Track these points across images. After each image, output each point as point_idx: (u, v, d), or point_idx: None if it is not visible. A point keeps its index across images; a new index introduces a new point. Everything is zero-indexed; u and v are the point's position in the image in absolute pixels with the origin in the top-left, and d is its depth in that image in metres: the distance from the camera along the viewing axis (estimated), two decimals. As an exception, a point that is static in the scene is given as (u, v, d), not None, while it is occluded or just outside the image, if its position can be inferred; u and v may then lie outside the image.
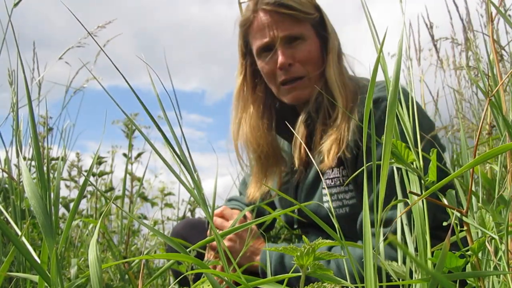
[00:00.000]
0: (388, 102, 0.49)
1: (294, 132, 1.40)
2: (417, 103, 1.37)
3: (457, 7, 1.65)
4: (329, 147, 1.28)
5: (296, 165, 1.38)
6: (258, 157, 1.47)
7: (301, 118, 1.38)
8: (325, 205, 1.32)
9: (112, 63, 0.49)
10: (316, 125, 1.36)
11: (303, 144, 1.37)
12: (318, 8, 1.39)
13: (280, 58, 1.33)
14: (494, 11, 0.81)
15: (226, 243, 1.30)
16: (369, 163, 0.58)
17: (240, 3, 1.44)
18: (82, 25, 0.52)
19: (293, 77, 1.36)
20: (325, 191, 1.33)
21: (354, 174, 0.75)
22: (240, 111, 1.48)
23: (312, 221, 1.32)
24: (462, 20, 1.63)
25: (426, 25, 1.85)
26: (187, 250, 0.59)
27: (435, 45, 1.86)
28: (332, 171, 1.31)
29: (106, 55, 0.49)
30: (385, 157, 0.48)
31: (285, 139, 1.52)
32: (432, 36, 1.85)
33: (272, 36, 1.34)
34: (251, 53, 1.45)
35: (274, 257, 1.27)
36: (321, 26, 1.39)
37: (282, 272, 1.25)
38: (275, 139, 1.50)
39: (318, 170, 1.31)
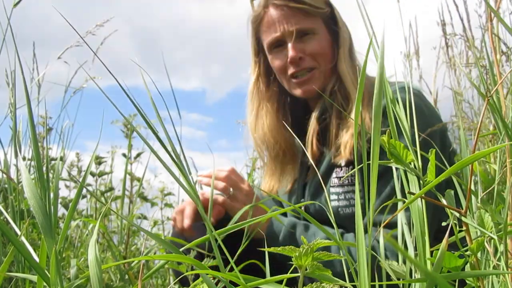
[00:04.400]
0: (374, 100, 0.49)
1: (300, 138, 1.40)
2: (429, 103, 1.37)
3: (457, 7, 1.65)
4: (348, 140, 1.29)
5: (311, 160, 1.38)
6: (276, 154, 1.48)
7: (315, 113, 1.39)
8: (332, 203, 1.33)
9: (103, 64, 0.49)
10: (331, 119, 1.36)
11: (316, 140, 1.38)
12: (328, 3, 1.40)
13: (291, 52, 1.34)
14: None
15: (238, 203, 1.27)
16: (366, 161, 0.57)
17: (252, 0, 1.46)
18: (74, 28, 0.52)
19: (304, 68, 1.36)
20: (332, 189, 1.33)
21: (350, 175, 0.75)
22: (255, 108, 1.49)
23: (318, 218, 1.33)
24: (462, 20, 1.63)
25: (438, 23, 1.85)
26: (185, 248, 0.59)
27: (446, 43, 1.87)
28: (341, 170, 1.32)
29: (98, 57, 0.49)
30: (374, 155, 0.48)
31: (295, 135, 1.55)
32: (444, 31, 1.85)
33: (283, 31, 1.35)
34: (264, 50, 1.46)
35: (284, 230, 1.27)
36: (332, 21, 1.40)
37: (291, 243, 1.25)
38: (291, 136, 1.52)
39: (332, 161, 1.31)
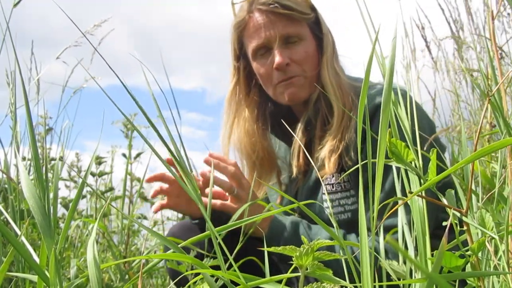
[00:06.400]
0: (382, 101, 0.49)
1: (289, 140, 1.36)
2: (416, 103, 1.37)
3: (443, 11, 1.65)
4: (328, 154, 1.26)
5: (294, 173, 1.36)
6: (252, 163, 1.44)
7: (300, 124, 1.36)
8: (326, 211, 1.31)
9: (104, 60, 0.49)
10: (315, 131, 1.34)
11: (302, 152, 1.33)
12: (313, 9, 1.38)
13: (277, 58, 1.31)
14: (494, 10, 0.81)
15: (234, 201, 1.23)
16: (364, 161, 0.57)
17: (233, 4, 1.42)
18: (76, 25, 0.52)
19: (290, 76, 1.33)
20: (325, 196, 1.32)
21: (346, 173, 0.75)
22: (232, 116, 1.45)
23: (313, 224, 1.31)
24: (448, 23, 1.63)
25: (418, 26, 1.85)
26: (181, 245, 0.59)
27: (427, 47, 1.86)
28: (333, 176, 1.30)
29: (99, 53, 0.49)
30: (380, 156, 0.48)
31: (285, 142, 1.50)
32: (425, 38, 1.85)
33: (269, 36, 1.32)
34: (245, 56, 1.42)
35: (288, 226, 1.24)
36: (316, 27, 1.38)
37: (296, 240, 1.21)
38: (270, 145, 1.48)
39: (319, 177, 1.29)
